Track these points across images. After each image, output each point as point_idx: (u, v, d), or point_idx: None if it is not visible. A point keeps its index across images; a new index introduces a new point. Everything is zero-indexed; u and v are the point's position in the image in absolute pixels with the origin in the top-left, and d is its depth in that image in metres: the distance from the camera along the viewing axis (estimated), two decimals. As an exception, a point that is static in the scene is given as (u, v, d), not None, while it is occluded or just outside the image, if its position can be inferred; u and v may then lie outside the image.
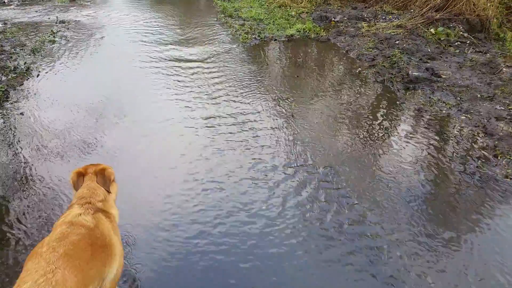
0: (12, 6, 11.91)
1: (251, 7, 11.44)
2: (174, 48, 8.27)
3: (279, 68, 7.42)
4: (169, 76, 6.88)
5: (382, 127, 5.42)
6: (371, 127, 5.40)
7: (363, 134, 5.24)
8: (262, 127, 5.32)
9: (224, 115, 5.60)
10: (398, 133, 5.28)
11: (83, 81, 6.75)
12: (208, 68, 7.27)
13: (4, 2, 12.40)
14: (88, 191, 2.50)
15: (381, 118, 5.63)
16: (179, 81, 6.67)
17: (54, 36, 8.98)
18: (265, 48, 8.46)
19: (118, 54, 7.92)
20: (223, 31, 9.51)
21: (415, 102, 6.01)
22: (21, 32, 9.25)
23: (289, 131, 5.26)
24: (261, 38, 8.94)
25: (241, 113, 5.66)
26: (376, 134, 5.24)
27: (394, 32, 8.73)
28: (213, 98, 6.09)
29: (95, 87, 6.50)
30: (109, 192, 2.61)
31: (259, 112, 5.72)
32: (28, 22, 10.10)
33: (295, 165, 4.56)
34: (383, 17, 9.95)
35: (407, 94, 6.30)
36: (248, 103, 5.98)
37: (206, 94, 6.22)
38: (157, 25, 9.92)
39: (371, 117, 5.68)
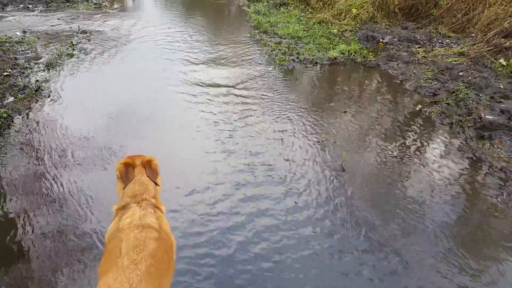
0: (35, 12, 11.24)
1: (288, 23, 10.42)
2: (203, 69, 7.33)
3: (322, 100, 6.35)
4: (195, 106, 5.93)
5: (459, 195, 4.27)
6: (444, 194, 4.26)
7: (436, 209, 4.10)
8: (303, 186, 4.26)
9: (257, 164, 4.57)
10: (485, 209, 4.12)
11: (97, 108, 5.85)
12: (240, 96, 6.30)
13: (29, 7, 11.77)
14: (140, 187, 2.44)
15: (456, 182, 4.48)
16: (204, 112, 5.70)
17: (73, 49, 8.18)
18: (305, 73, 7.41)
19: (140, 75, 7.03)
20: (257, 50, 8.50)
21: (496, 158, 4.82)
22: (39, 42, 8.49)
23: (338, 193, 4.18)
24: (300, 60, 7.90)
25: (274, 165, 4.62)
26: (456, 209, 4.10)
27: (455, 60, 7.53)
28: (243, 141, 5.07)
29: (109, 117, 5.58)
30: (157, 185, 2.56)
31: (298, 162, 4.65)
32: (48, 31, 9.35)
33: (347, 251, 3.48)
34: (439, 41, 8.74)
35: (483, 145, 5.12)
36: (287, 148, 4.93)
37: (232, 136, 5.20)
38: (186, 39, 9.01)
39: (440, 177, 4.54)
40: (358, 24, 10.09)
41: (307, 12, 11.21)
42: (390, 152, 4.96)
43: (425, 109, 6.03)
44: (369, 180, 4.44)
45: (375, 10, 10.23)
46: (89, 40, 8.75)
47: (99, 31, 9.50)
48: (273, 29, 9.84)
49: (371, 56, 8.08)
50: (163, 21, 10.60)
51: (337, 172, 4.54)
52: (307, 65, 7.77)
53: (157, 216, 2.38)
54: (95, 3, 12.15)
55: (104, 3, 12.26)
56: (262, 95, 6.39)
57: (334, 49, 8.45)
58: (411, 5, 10.45)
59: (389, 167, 4.66)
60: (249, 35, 9.55)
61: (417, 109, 6.06)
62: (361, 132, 5.43)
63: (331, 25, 10.14)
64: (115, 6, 12.07)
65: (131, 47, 8.46)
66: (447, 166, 4.74)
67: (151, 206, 2.39)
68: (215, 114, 5.65)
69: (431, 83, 6.84)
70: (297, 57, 8.01)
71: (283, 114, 5.75)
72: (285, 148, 4.96)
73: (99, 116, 5.61)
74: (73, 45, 8.40)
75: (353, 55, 8.13)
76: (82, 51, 8.06)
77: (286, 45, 8.66)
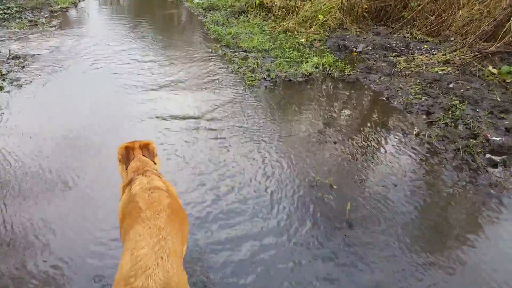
0: (-43, 34, 9.67)
1: (251, 33, 9.49)
2: (161, 97, 6.25)
3: (306, 128, 5.45)
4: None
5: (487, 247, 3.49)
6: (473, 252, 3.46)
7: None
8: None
9: (239, 234, 3.59)
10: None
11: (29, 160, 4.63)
12: (209, 130, 5.28)
13: None
14: (140, 163, 2.70)
15: (480, 232, 3.70)
16: (170, 160, 4.63)
17: (3, 79, 6.82)
18: (280, 95, 6.50)
19: (85, 110, 5.83)
20: (222, 68, 7.51)
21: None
22: (-41, 74, 7.06)
23: (347, 260, 3.29)
24: (272, 79, 6.98)
25: (262, 230, 3.66)
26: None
27: (441, 70, 6.87)
28: (218, 196, 4.08)
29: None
30: (155, 162, 2.81)
31: (289, 222, 3.72)
32: (-29, 58, 7.89)
33: None
34: (417, 47, 8.11)
35: (500, 175, 4.39)
36: (276, 203, 3.98)
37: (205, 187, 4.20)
38: (139, 59, 7.86)
39: (461, 229, 3.75)
40: (327, 32, 9.32)
41: (269, 21, 10.35)
42: (398, 197, 4.11)
43: (423, 133, 5.26)
44: (387, 248, 3.56)
45: (343, 15, 9.49)
46: (23, 68, 7.41)
47: (35, 55, 8.15)
48: (236, 42, 8.88)
49: (348, 69, 7.29)
50: (109, 37, 9.36)
51: (343, 230, 3.63)
52: (280, 83, 6.85)
53: (163, 181, 2.63)
54: (30, 20, 10.69)
55: (40, 20, 10.81)
56: (234, 126, 5.40)
57: (307, 62, 7.60)
58: (379, 8, 9.81)
59: (404, 218, 3.81)
60: (210, 50, 8.54)
61: (414, 133, 5.28)
62: (361, 169, 4.57)
63: (298, 34, 9.32)
64: (54, 23, 10.67)
65: (73, 73, 7.22)
66: (466, 209, 3.96)
67: (155, 175, 2.64)
68: (180, 169, 4.58)
69: (421, 98, 6.12)
70: (268, 75, 7.08)
71: (266, 157, 4.77)
72: (276, 206, 3.99)
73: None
74: (3, 75, 7.04)
75: (329, 69, 7.31)
76: (14, 83, 6.73)
77: (254, 61, 7.70)
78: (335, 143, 5.07)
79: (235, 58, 7.99)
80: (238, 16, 11.20)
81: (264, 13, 10.94)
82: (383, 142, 5.12)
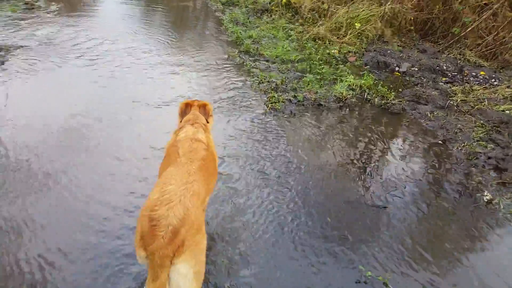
0: None
1: (274, 38, 8.19)
2: (161, 119, 5.01)
3: (345, 185, 4.18)
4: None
5: None
6: None
7: None
8: None
9: None
10: None
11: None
12: (219, 177, 4.02)
13: None
14: (193, 116, 3.02)
15: None
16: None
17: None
18: (309, 124, 5.23)
19: (70, 138, 4.61)
20: (239, 81, 6.26)
21: None
22: None
23: None
24: (299, 101, 5.72)
25: None
26: None
27: (509, 109, 5.54)
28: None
29: None
30: (207, 122, 3.10)
31: None
32: None
33: None
34: (473, 73, 6.77)
35: None
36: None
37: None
38: (143, 64, 6.61)
39: None
40: (363, 44, 7.97)
41: (296, 24, 9.01)
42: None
43: (495, 200, 3.98)
44: None
45: (383, 26, 8.14)
46: (3, 63, 6.19)
47: (23, 46, 6.92)
48: (257, 48, 7.59)
49: (392, 96, 5.98)
50: (112, 31, 8.11)
51: None
52: (309, 108, 5.58)
53: (206, 135, 2.92)
54: (26, 2, 9.45)
55: (38, 2, 9.58)
56: (256, 171, 4.16)
57: (341, 82, 6.30)
58: (425, 21, 8.44)
59: None
60: (226, 56, 7.25)
61: (485, 200, 4.00)
62: (414, 251, 3.32)
63: (330, 43, 7.98)
64: (53, 7, 9.42)
65: (63, 75, 5.99)
66: None
67: (202, 128, 2.94)
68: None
69: (486, 146, 4.84)
70: (295, 96, 5.81)
71: (296, 220, 3.54)
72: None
73: None
74: (-26, 72, 5.84)
75: (368, 93, 6.00)
76: (-12, 83, 5.52)
77: (278, 77, 6.43)
78: (384, 208, 3.80)
79: (255, 69, 6.73)
80: (261, 15, 9.89)
81: (291, 14, 9.61)
82: (444, 211, 3.85)
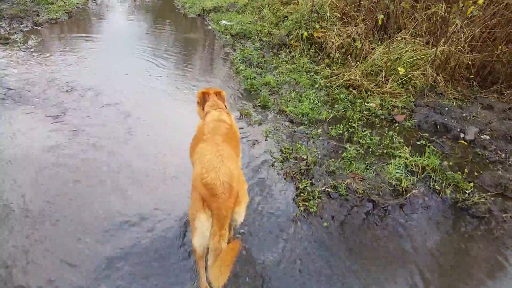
0: None
1: (296, 84, 6.56)
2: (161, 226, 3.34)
3: None
4: None
5: None
6: None
7: None
8: None
9: None
10: None
11: None
12: None
13: None
14: (214, 102, 3.40)
15: None
16: None
17: None
18: (361, 239, 3.54)
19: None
20: (256, 158, 4.60)
21: None
22: None
23: None
24: (341, 196, 4.01)
25: None
26: None
27: None
28: None
29: None
30: (225, 106, 3.47)
31: None
32: None
33: None
34: None
35: None
36: None
37: None
38: (125, 131, 4.98)
39: None
40: (411, 96, 6.29)
41: (322, 65, 7.37)
42: None
43: None
44: None
45: (435, 72, 6.47)
46: None
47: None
48: (277, 101, 5.93)
49: (469, 187, 4.25)
50: (94, 78, 6.53)
51: None
52: (357, 207, 3.88)
53: (229, 117, 3.31)
54: (2, 37, 7.91)
55: (14, 36, 8.04)
56: None
57: (394, 156, 4.61)
58: (483, 64, 6.76)
59: None
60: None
61: None
62: None
63: (367, 93, 6.32)
64: (30, 42, 7.87)
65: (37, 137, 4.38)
66: None
67: (225, 111, 3.34)
68: None
69: None
70: (334, 187, 4.10)
71: None
72: None
73: None
74: None
75: (434, 180, 4.29)
76: None
77: (308, 149, 4.73)
78: None
79: (277, 135, 5.06)
80: (278, 51, 8.29)
81: (314, 51, 7.98)
82: None
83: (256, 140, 4.96)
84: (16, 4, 9.99)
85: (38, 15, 9.47)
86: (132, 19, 10.89)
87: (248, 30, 9.30)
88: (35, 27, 8.86)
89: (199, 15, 11.12)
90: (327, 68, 7.32)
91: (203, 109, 3.43)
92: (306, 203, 3.88)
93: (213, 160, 2.56)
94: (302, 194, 4.01)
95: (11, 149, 4.44)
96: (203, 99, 3.48)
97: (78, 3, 10.96)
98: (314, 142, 5.02)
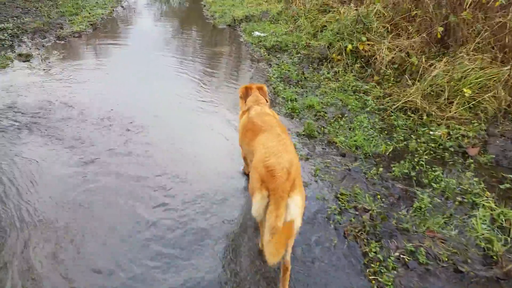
0: None
1: (344, 107, 5.74)
2: None
3: None
4: None
5: None
6: None
7: None
8: None
9: None
10: None
11: None
12: None
13: None
14: (256, 97, 3.67)
15: None
16: None
17: None
18: None
19: None
20: (305, 210, 3.76)
21: None
22: None
23: None
24: (421, 264, 3.15)
25: None
26: None
27: None
28: None
29: None
30: (267, 101, 3.75)
31: None
32: None
33: None
34: None
35: None
36: None
37: None
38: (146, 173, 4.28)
39: None
40: (482, 123, 5.34)
41: (371, 82, 6.50)
42: None
43: None
44: None
45: (508, 94, 5.50)
46: None
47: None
48: (324, 130, 5.11)
49: None
50: (114, 101, 5.87)
51: None
52: (444, 286, 3.01)
53: (271, 111, 3.60)
54: (20, 54, 7.39)
55: (36, 53, 7.50)
56: None
57: (476, 206, 3.71)
58: None
59: None
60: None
61: None
62: None
63: (429, 118, 5.41)
64: (52, 58, 7.30)
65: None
66: None
67: (266, 106, 3.63)
68: None
69: None
70: (412, 253, 3.23)
71: None
72: None
73: None
74: None
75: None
76: None
77: (369, 196, 3.89)
78: None
79: (328, 173, 4.23)
80: (318, 65, 7.47)
81: (359, 66, 7.11)
82: None
83: (304, 183, 4.14)
84: (40, 16, 9.52)
85: (61, 28, 8.95)
86: (158, 30, 10.27)
87: (283, 42, 8.51)
88: (58, 41, 8.33)
89: (229, 25, 10.40)
90: (377, 87, 6.45)
91: (245, 102, 3.65)
92: (379, 278, 3.04)
93: (276, 147, 2.80)
94: (372, 264, 3.16)
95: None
96: (246, 93, 3.69)
97: (103, 14, 10.43)
98: (374, 184, 4.16)
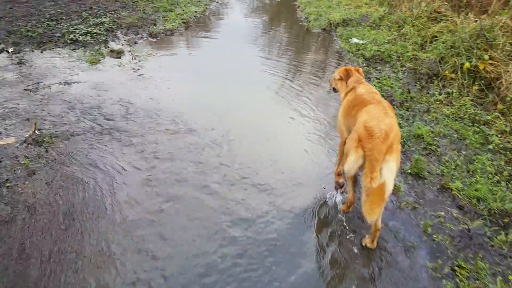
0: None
1: (460, 141, 4.83)
2: None
3: None
4: None
5: None
6: None
7: None
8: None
9: None
10: None
11: None
12: None
13: (8, 51, 7.32)
14: (358, 78, 3.81)
15: None
16: None
17: None
18: None
19: None
20: (405, 264, 2.97)
21: None
22: None
23: None
24: None
25: None
26: None
27: None
28: None
29: None
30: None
31: None
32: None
33: None
34: None
35: None
36: None
37: None
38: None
39: None
40: None
41: (493, 113, 5.39)
42: None
43: None
44: None
45: None
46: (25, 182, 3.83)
47: (74, 135, 4.59)
48: (434, 167, 4.23)
49: None
50: (193, 115, 5.45)
51: None
52: None
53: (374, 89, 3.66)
54: (112, 50, 7.35)
55: (129, 49, 7.42)
56: None
57: None
58: None
59: None
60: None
61: None
62: None
63: None
64: (144, 56, 7.16)
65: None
66: None
67: (367, 84, 3.69)
68: None
69: None
70: None
71: None
72: None
73: None
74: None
75: None
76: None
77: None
78: None
79: (441, 234, 3.37)
80: (427, 83, 6.45)
81: (478, 88, 5.98)
82: None
83: (410, 244, 3.33)
84: (135, 11, 9.55)
85: (155, 24, 8.86)
86: (249, 28, 9.80)
87: (386, 52, 7.57)
88: (150, 38, 8.21)
89: (324, 29, 9.62)
90: (502, 118, 5.32)
91: (346, 84, 3.79)
92: None
93: (379, 114, 2.98)
94: None
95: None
96: (347, 75, 3.82)
97: (196, 11, 10.23)
98: (504, 257, 3.23)
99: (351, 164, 2.84)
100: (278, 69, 7.16)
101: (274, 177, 4.19)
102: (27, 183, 3.97)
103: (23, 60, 6.84)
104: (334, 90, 4.15)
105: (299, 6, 11.82)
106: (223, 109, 5.51)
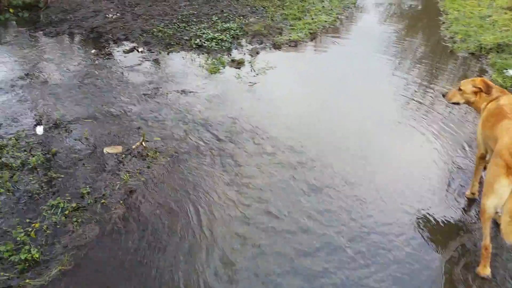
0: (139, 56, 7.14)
1: None
2: None
3: None
4: None
5: None
6: None
7: None
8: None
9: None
10: None
11: None
12: None
13: (138, 50, 7.59)
14: (500, 89, 3.66)
15: None
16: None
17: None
18: None
19: None
20: None
21: None
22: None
23: None
24: None
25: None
26: None
27: None
28: None
29: None
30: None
31: None
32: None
33: None
34: None
35: None
36: None
37: None
38: None
39: None
40: None
41: None
42: None
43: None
44: None
45: None
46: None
47: (182, 151, 4.41)
48: None
49: None
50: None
51: None
52: None
53: None
54: (233, 60, 7.15)
55: (249, 60, 7.16)
56: None
57: None
58: None
59: None
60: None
61: None
62: None
63: None
64: (261, 69, 6.82)
65: None
66: None
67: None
68: None
69: None
70: None
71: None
72: None
73: None
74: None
75: None
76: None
77: None
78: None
79: None
80: None
81: None
82: None
83: None
84: (264, 18, 9.29)
85: (280, 34, 8.47)
86: (393, 55, 8.80)
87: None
88: (273, 49, 7.84)
89: (473, 53, 8.20)
90: None
91: (488, 94, 3.62)
92: None
93: None
94: None
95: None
96: (487, 86, 3.65)
97: (326, 21, 9.57)
98: None
99: (502, 193, 2.67)
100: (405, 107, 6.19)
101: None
102: (121, 202, 3.83)
103: (149, 62, 6.99)
104: (455, 103, 3.89)
105: (443, 23, 10.36)
106: (344, 142, 4.85)
